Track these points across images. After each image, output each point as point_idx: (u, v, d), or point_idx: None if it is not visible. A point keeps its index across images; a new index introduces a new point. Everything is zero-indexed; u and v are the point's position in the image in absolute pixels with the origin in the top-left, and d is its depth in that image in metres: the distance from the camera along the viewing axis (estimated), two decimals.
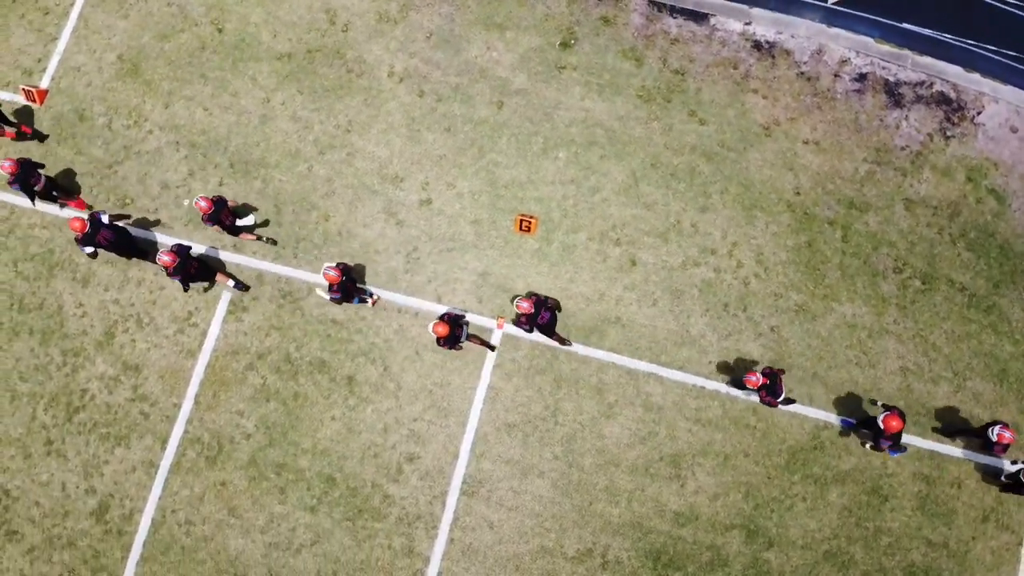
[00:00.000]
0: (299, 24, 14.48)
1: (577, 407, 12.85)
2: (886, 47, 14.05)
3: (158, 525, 12.70)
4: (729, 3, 14.32)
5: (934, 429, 12.64)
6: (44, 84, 14.32)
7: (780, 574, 12.23)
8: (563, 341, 12.82)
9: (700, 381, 12.89)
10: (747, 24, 14.27)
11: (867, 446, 12.49)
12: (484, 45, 14.30)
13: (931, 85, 13.91)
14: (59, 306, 13.53)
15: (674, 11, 14.35)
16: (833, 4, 14.24)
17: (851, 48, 14.12)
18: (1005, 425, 11.68)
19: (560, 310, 12.76)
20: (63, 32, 14.55)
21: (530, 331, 12.20)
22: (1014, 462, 12.33)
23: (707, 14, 14.33)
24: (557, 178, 13.73)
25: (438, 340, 11.92)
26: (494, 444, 12.78)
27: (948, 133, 13.72)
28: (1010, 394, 12.75)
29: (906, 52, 14.01)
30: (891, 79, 13.96)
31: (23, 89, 14.05)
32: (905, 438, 12.24)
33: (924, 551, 12.30)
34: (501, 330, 13.16)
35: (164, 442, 12.98)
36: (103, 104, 14.24)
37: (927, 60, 13.97)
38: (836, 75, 14.03)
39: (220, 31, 14.48)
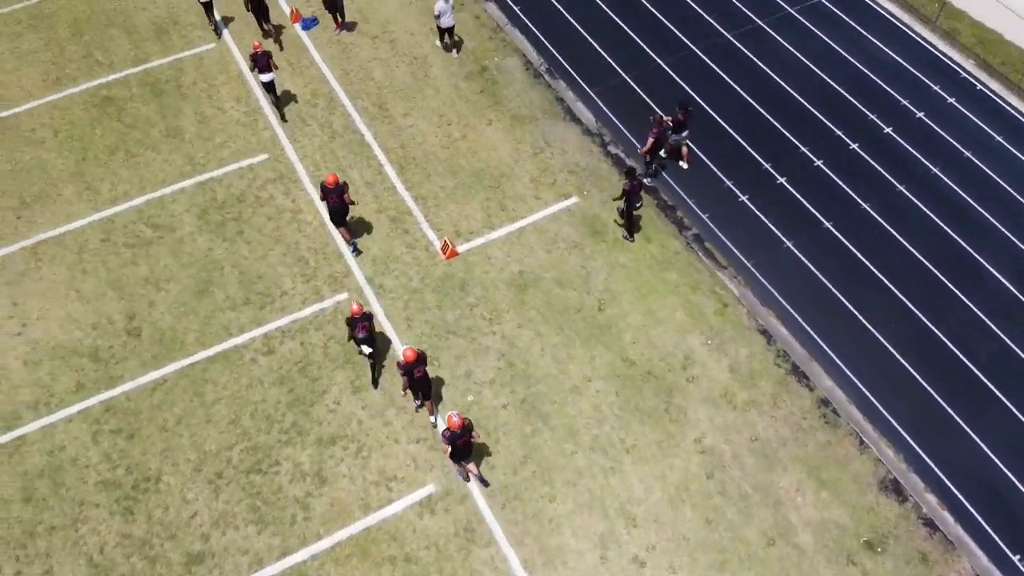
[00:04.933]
0: (659, 349, 15.32)
1: None
2: None
3: None
4: None
5: None
6: (460, 249, 16.78)
7: None
8: None
9: None
10: None
11: None
12: (796, 484, 13.68)
13: None
14: (324, 390, 14.86)
15: None
16: None
17: None
18: None
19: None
20: (503, 230, 17.12)
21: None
22: None
23: None
24: None
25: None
26: None
27: None
28: None
29: None
30: None
31: (445, 239, 16.61)
32: None
33: None
34: None
35: (282, 555, 13.01)
36: (481, 291, 16.18)
37: None
38: None
39: (599, 309, 15.88)
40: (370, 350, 14.39)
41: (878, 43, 20.55)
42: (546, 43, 20.94)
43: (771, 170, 18.01)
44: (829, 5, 21.50)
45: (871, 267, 16.35)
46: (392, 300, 16.06)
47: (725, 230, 17.10)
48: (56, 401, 14.79)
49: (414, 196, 17.72)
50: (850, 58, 20.20)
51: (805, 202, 17.42)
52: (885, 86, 19.52)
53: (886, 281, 16.14)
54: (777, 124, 18.85)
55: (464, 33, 21.05)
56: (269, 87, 18.77)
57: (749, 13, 21.35)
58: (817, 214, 17.21)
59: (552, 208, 17.49)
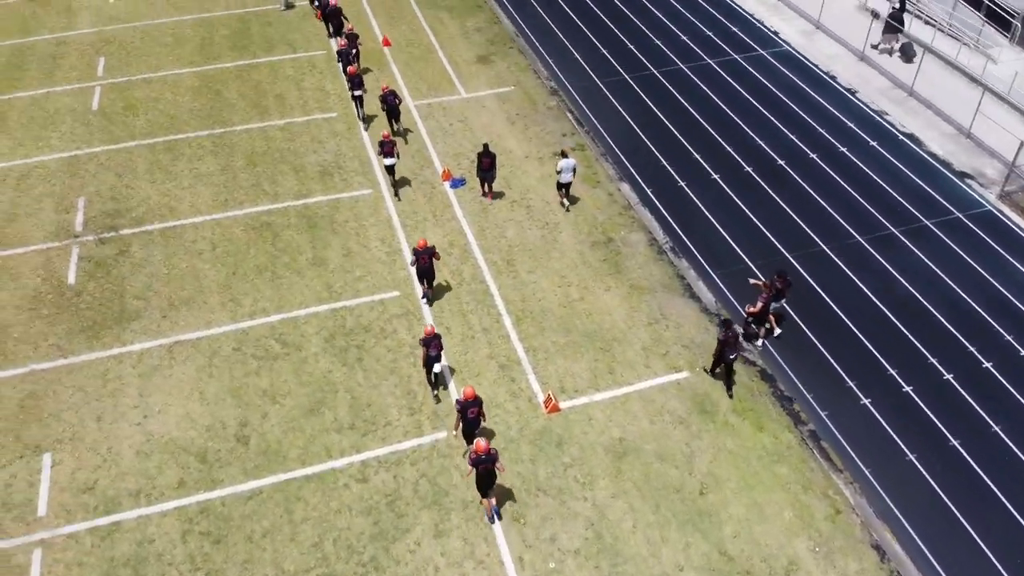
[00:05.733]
0: (761, 548, 14.34)
1: None
2: None
3: None
4: None
5: None
6: (563, 405, 16.77)
7: None
8: None
9: None
10: None
11: None
12: None
13: None
14: (407, 529, 14.70)
15: None
16: None
17: None
18: None
19: None
20: (608, 392, 17.06)
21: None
22: None
23: None
24: None
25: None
26: None
27: None
28: None
29: None
30: None
31: (550, 393, 16.69)
32: None
33: None
34: None
35: None
36: (578, 451, 15.95)
37: None
38: None
39: (701, 493, 15.23)
40: (440, 367, 16.59)
41: (1017, 264, 20.01)
42: (673, 224, 21.65)
43: (896, 376, 17.32)
44: (967, 221, 21.33)
45: (999, 494, 15.04)
46: None
47: (844, 431, 16.32)
48: (157, 494, 15.31)
49: (526, 347, 18.09)
50: (987, 276, 19.70)
51: (932, 415, 16.50)
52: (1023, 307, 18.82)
53: (1015, 512, 14.76)
54: (906, 331, 18.32)
55: (596, 207, 22.13)
56: (391, 169, 22.40)
57: (883, 220, 21.44)
58: (944, 429, 16.22)
59: (661, 379, 17.35)
